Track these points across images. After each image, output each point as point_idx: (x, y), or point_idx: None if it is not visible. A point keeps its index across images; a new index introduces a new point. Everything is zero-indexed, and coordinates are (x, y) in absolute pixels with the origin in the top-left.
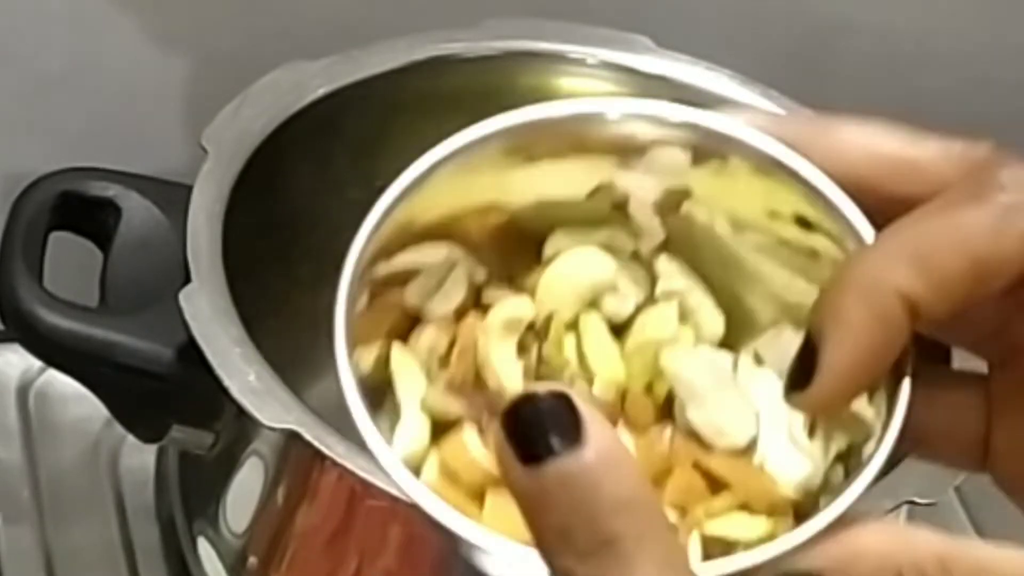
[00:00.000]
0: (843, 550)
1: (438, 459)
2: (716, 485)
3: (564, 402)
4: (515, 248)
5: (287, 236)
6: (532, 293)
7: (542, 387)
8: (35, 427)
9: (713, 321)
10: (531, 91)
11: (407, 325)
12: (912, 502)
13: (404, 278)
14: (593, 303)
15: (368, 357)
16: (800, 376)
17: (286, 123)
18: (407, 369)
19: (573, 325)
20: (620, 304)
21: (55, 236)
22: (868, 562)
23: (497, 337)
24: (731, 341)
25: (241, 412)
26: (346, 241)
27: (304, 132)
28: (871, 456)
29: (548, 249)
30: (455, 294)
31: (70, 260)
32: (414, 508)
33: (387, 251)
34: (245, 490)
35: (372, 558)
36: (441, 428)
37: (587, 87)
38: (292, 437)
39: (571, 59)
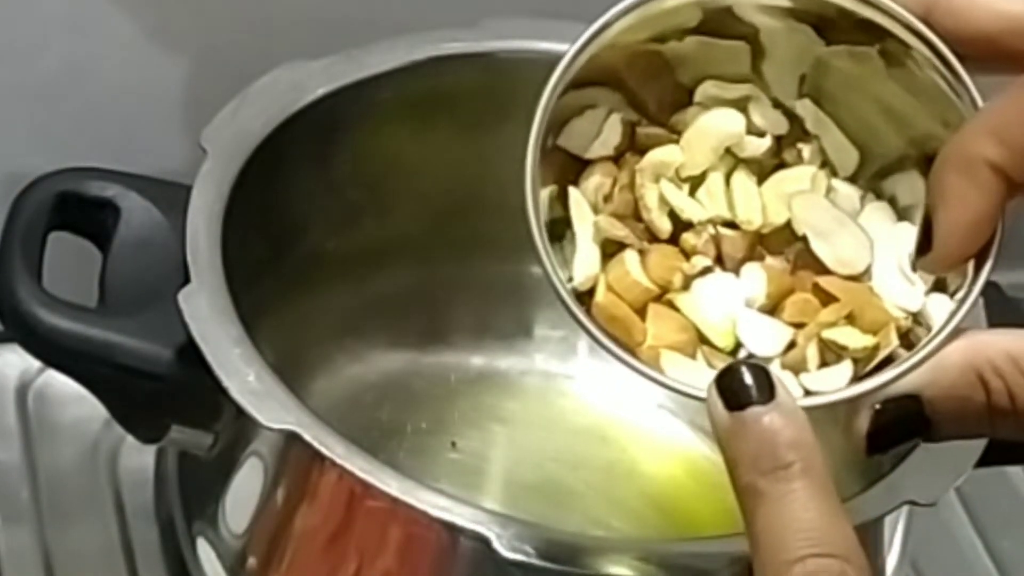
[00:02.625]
0: (931, 367)
1: (605, 281)
2: (831, 305)
3: (763, 371)
4: (667, 93)
5: (287, 236)
6: (680, 132)
7: (747, 361)
8: (34, 428)
9: (848, 157)
10: (531, 91)
11: (574, 169)
12: (912, 502)
13: (564, 123)
14: (734, 150)
15: (544, 197)
16: (924, 244)
17: (285, 123)
18: (580, 208)
19: (716, 171)
20: (759, 146)
21: (54, 236)
22: (952, 372)
23: (650, 178)
24: (862, 173)
25: (240, 412)
26: (346, 241)
27: (304, 132)
28: (965, 297)
29: (698, 96)
30: (612, 139)
31: (69, 260)
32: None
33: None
34: (245, 491)
35: (372, 558)
36: (607, 256)
37: None
38: (292, 437)
39: None
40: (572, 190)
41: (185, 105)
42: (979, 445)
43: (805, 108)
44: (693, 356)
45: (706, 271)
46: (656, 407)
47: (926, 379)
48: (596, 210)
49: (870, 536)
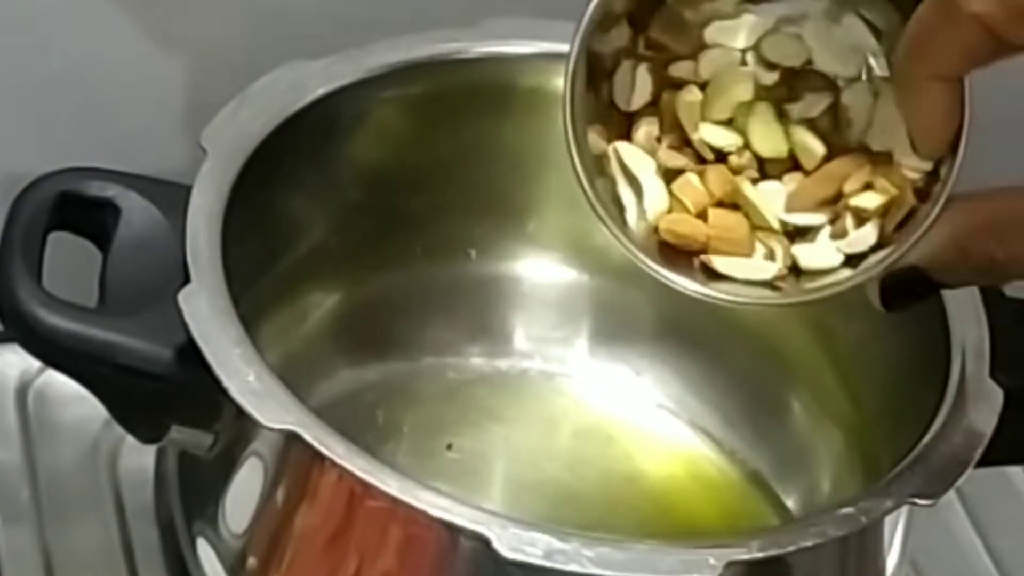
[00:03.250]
0: (922, 243)
1: (670, 203)
2: (854, 175)
3: None
4: (676, 27)
5: (287, 236)
6: (696, 56)
7: None
8: (34, 428)
9: (853, 60)
10: (531, 91)
11: (622, 124)
12: (912, 502)
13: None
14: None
15: (602, 158)
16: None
17: (285, 123)
18: (636, 156)
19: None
20: (769, 78)
21: (54, 236)
22: (939, 246)
23: (687, 112)
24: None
25: (240, 413)
26: (346, 241)
27: (304, 132)
28: (948, 172)
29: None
30: (645, 87)
31: (69, 260)
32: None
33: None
34: (245, 491)
35: (372, 559)
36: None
37: None
38: (292, 438)
39: None
40: (621, 144)
41: (185, 105)
42: (979, 445)
43: (806, 30)
44: (750, 253)
45: (755, 181)
46: (656, 407)
47: (919, 254)
48: (653, 154)
49: (870, 536)
